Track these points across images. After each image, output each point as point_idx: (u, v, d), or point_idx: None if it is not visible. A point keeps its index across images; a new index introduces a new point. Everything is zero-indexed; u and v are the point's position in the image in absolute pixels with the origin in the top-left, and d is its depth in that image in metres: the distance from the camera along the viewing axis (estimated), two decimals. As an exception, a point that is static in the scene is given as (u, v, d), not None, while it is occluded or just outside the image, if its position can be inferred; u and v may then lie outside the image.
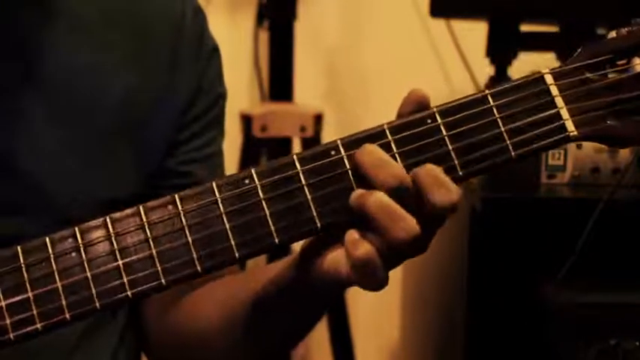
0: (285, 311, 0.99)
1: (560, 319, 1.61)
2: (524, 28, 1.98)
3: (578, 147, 1.74)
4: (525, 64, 1.92)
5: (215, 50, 1.17)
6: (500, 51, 1.97)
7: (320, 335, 2.23)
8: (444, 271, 1.92)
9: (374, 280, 0.86)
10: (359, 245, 0.85)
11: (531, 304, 1.65)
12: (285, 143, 2.16)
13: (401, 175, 0.85)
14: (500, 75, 1.96)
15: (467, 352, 1.75)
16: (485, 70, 2.00)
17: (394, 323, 2.45)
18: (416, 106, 0.88)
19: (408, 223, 0.84)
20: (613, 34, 0.90)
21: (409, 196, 0.85)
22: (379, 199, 0.84)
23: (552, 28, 1.99)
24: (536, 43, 1.98)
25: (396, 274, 2.46)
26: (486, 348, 1.72)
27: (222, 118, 1.19)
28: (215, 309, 1.08)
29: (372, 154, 0.86)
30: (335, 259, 0.88)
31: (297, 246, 0.92)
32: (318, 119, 2.17)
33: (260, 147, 2.16)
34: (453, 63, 2.32)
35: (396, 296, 2.41)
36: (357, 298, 2.32)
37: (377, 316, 2.41)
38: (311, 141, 2.13)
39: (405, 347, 2.42)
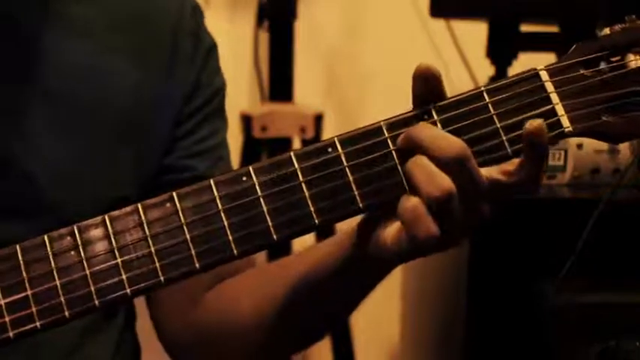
0: (336, 291, 0.99)
1: (560, 319, 1.61)
2: (524, 28, 1.98)
3: (579, 147, 1.74)
4: (525, 64, 1.92)
5: (213, 47, 1.17)
6: (500, 51, 1.97)
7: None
8: (444, 271, 1.92)
9: (423, 232, 0.86)
10: (409, 198, 0.86)
11: (531, 304, 1.65)
12: (285, 143, 2.16)
13: (461, 147, 0.86)
14: (500, 75, 1.96)
15: (467, 352, 1.75)
16: (485, 70, 2.00)
17: (394, 323, 2.45)
18: (423, 82, 0.89)
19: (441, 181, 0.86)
20: (607, 30, 0.90)
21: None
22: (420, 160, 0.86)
23: (552, 28, 1.99)
24: (536, 43, 1.98)
25: (395, 275, 2.46)
26: (486, 348, 1.72)
27: (223, 109, 1.19)
28: (248, 300, 1.08)
29: (429, 129, 0.87)
30: (393, 230, 0.89)
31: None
32: (318, 119, 2.17)
33: (260, 147, 2.16)
34: (453, 63, 2.32)
35: (396, 296, 2.41)
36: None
37: (377, 316, 2.41)
38: (311, 141, 2.13)
39: (405, 347, 2.42)
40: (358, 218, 0.92)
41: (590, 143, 1.73)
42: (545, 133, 0.86)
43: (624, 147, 1.73)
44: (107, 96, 1.08)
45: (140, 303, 1.16)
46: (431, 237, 0.86)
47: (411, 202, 0.86)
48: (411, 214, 0.86)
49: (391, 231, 0.89)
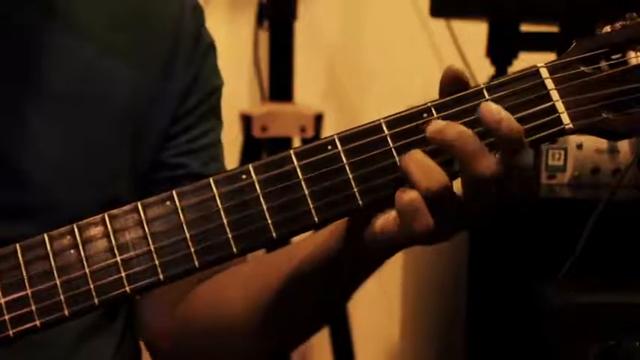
0: (328, 281, 0.99)
1: (561, 319, 1.60)
2: (524, 28, 1.98)
3: (579, 147, 1.74)
4: (525, 64, 1.92)
5: (211, 45, 1.17)
6: (500, 51, 1.97)
7: (320, 335, 2.22)
8: (444, 271, 1.92)
9: (421, 225, 0.87)
10: (406, 192, 0.87)
11: (531, 304, 1.65)
12: (285, 143, 2.16)
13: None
14: (500, 75, 1.96)
15: (467, 352, 1.75)
16: (485, 70, 2.00)
17: (394, 323, 2.45)
18: (454, 82, 0.90)
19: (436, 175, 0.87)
20: (607, 28, 0.90)
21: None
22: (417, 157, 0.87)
23: (552, 28, 1.99)
24: (536, 43, 1.98)
25: (396, 274, 2.46)
26: (486, 348, 1.72)
27: (218, 109, 1.19)
28: (240, 292, 1.08)
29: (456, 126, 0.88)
30: (386, 219, 0.89)
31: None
32: (318, 119, 2.17)
33: (260, 147, 2.16)
34: (453, 63, 2.32)
35: (396, 296, 2.41)
36: (357, 298, 2.31)
37: (377, 316, 2.41)
38: (311, 141, 2.13)
39: (405, 347, 2.42)
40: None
41: (590, 143, 1.73)
42: (496, 117, 0.87)
43: (624, 147, 1.73)
44: (107, 95, 1.08)
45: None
46: (427, 230, 0.87)
47: (409, 196, 0.87)
48: (409, 207, 0.86)
49: (382, 221, 0.89)
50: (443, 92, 0.90)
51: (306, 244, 1.01)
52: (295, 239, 0.95)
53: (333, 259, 0.96)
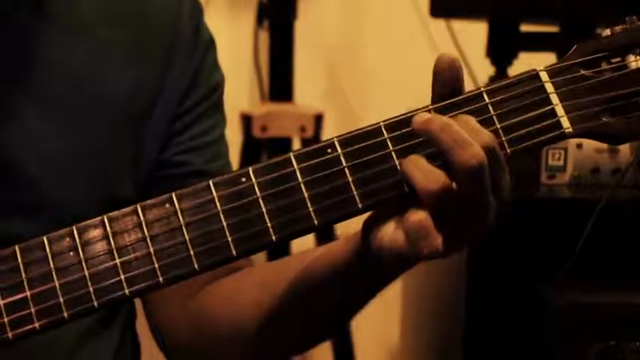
0: (337, 291, 0.99)
1: (560, 319, 1.61)
2: (524, 28, 1.98)
3: (579, 147, 1.74)
4: (525, 64, 1.92)
5: (211, 42, 1.17)
6: (500, 51, 1.98)
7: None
8: (444, 272, 1.92)
9: (429, 245, 0.86)
10: (416, 212, 0.87)
11: (531, 304, 1.65)
12: (285, 143, 2.16)
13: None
14: (500, 75, 1.96)
15: (467, 353, 1.75)
16: (485, 70, 2.00)
17: (394, 323, 2.45)
18: (448, 75, 0.89)
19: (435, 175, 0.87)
20: (607, 31, 0.90)
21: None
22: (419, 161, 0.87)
23: (552, 28, 1.99)
24: (536, 43, 1.98)
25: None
26: (486, 348, 1.72)
27: (221, 105, 1.18)
28: (249, 294, 1.08)
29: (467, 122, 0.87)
30: (394, 237, 0.89)
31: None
32: (318, 119, 2.17)
33: (260, 147, 2.16)
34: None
35: (396, 296, 2.41)
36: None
37: (377, 316, 2.41)
38: (311, 141, 2.13)
39: (405, 347, 2.42)
40: (359, 219, 0.92)
41: (590, 143, 1.73)
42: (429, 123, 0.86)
43: (624, 147, 1.74)
44: (106, 93, 1.08)
45: (139, 302, 1.16)
46: (436, 250, 0.86)
47: (418, 216, 0.86)
48: (417, 227, 0.86)
49: (388, 232, 0.89)
50: (436, 82, 0.90)
51: (317, 252, 1.01)
52: (296, 247, 0.95)
53: (342, 268, 0.96)
